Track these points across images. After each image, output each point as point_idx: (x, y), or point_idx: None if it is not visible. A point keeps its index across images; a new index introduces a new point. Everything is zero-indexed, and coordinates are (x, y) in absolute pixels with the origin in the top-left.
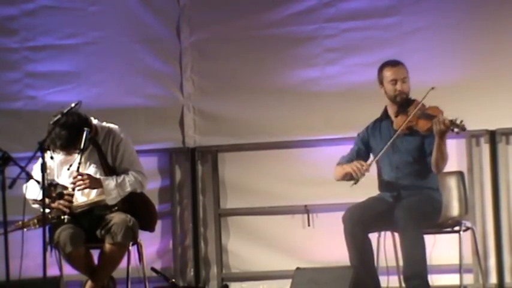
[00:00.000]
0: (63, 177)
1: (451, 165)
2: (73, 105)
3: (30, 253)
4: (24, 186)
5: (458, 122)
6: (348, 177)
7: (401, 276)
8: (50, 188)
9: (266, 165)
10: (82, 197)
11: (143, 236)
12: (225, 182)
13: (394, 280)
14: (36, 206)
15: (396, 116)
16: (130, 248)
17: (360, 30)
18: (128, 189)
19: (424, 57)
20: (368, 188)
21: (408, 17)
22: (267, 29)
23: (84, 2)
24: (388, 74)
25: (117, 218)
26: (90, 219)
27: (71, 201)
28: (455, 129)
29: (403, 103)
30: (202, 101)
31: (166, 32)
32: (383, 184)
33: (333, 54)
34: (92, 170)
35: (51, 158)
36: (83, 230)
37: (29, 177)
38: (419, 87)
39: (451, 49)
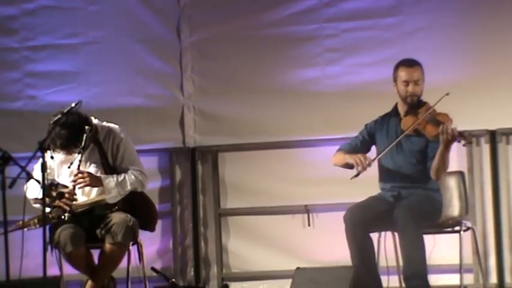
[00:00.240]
0: (64, 177)
1: (452, 165)
2: (73, 104)
3: (30, 253)
4: (25, 186)
5: (466, 134)
6: (348, 166)
7: (402, 276)
8: (50, 188)
9: (266, 165)
10: (82, 197)
11: (143, 235)
12: (225, 181)
13: (394, 280)
14: (37, 205)
15: (405, 116)
16: (130, 247)
17: (361, 30)
18: (129, 188)
19: (425, 57)
20: (368, 187)
21: (409, 17)
22: (267, 29)
23: (84, 2)
24: (402, 74)
25: (117, 218)
26: (91, 219)
27: (72, 200)
28: (462, 142)
29: (414, 104)
30: (202, 101)
31: (166, 32)
32: (384, 176)
33: (333, 54)
34: (92, 169)
35: (52, 157)
36: (83, 230)
37: (29, 177)
38: None
39: (451, 49)
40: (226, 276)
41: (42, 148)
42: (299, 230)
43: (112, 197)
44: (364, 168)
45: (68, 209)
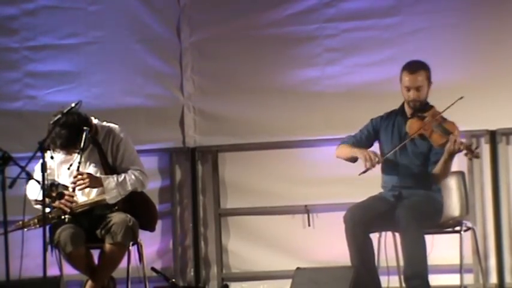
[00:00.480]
0: (63, 177)
1: (452, 166)
2: (73, 105)
3: (30, 253)
4: (27, 187)
5: (473, 148)
6: (352, 160)
7: (402, 276)
8: (51, 188)
9: (266, 165)
10: (82, 197)
11: (143, 235)
12: (225, 181)
13: (394, 280)
14: (38, 206)
15: (411, 118)
16: (130, 247)
17: (360, 30)
18: (129, 188)
19: (424, 57)
20: (368, 187)
21: (408, 17)
22: (267, 29)
23: (84, 2)
24: (405, 79)
25: (117, 218)
26: (91, 219)
27: (71, 201)
28: (468, 155)
29: (418, 108)
30: (202, 101)
31: (166, 32)
32: (386, 172)
33: (333, 54)
34: (92, 169)
35: (52, 157)
36: (83, 230)
37: (29, 177)
38: None
39: (451, 49)
40: (226, 277)
41: (42, 148)
42: (299, 230)
43: (112, 197)
44: (373, 165)
45: (67, 210)
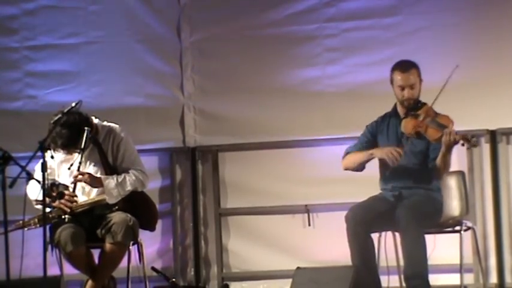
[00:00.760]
0: (64, 177)
1: (452, 165)
2: (73, 104)
3: (31, 252)
4: (27, 187)
5: (469, 137)
6: (361, 167)
7: (402, 276)
8: (51, 188)
9: (266, 165)
10: (83, 196)
11: (143, 235)
12: (226, 181)
13: (394, 280)
14: (39, 206)
15: (405, 117)
16: (130, 247)
17: (361, 30)
18: (129, 188)
19: (425, 57)
20: (368, 187)
21: (409, 16)
22: (267, 29)
23: (84, 2)
24: (397, 78)
25: (117, 218)
26: (91, 219)
27: (72, 201)
28: (466, 145)
29: (412, 107)
30: (202, 101)
31: (166, 32)
32: (385, 175)
33: (333, 54)
34: (92, 169)
35: (52, 157)
36: (83, 230)
37: (30, 176)
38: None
39: (451, 49)
40: (227, 276)
41: (43, 148)
42: (299, 230)
43: (112, 197)
44: (398, 161)
45: (68, 210)
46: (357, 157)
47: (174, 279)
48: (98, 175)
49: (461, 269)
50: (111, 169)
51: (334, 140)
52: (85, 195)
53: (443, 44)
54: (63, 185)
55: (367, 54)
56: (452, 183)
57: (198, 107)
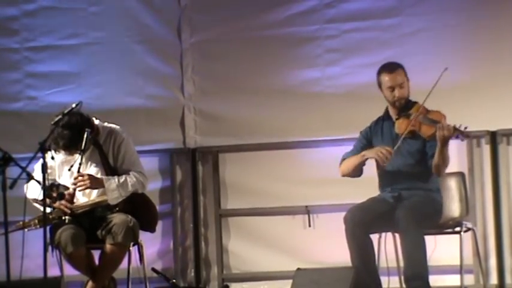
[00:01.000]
0: (64, 178)
1: (452, 166)
2: (74, 105)
3: (31, 253)
4: (25, 186)
5: (462, 128)
6: (359, 172)
7: (402, 277)
8: (51, 189)
9: (267, 166)
10: (83, 198)
11: (144, 236)
12: (226, 182)
13: (394, 281)
14: (36, 205)
15: (397, 119)
16: (131, 248)
17: (361, 31)
18: (130, 189)
19: (425, 58)
20: (368, 188)
21: (409, 18)
22: (267, 30)
23: (85, 3)
24: (385, 79)
25: (117, 219)
26: (91, 220)
27: (71, 202)
28: (460, 137)
29: (403, 107)
30: (203, 102)
31: (167, 33)
32: (384, 180)
33: (333, 55)
34: (93, 170)
35: (52, 158)
36: (83, 230)
37: (30, 177)
38: (419, 88)
39: (451, 50)
40: (227, 277)
41: (43, 149)
42: (299, 231)
43: (114, 198)
44: (388, 160)
45: (68, 211)
46: (351, 161)
47: (174, 280)
48: (99, 176)
49: (461, 270)
50: (111, 170)
51: (334, 141)
52: (86, 196)
53: (443, 45)
54: (63, 185)
55: (367, 55)
56: (452, 184)
57: (199, 108)
